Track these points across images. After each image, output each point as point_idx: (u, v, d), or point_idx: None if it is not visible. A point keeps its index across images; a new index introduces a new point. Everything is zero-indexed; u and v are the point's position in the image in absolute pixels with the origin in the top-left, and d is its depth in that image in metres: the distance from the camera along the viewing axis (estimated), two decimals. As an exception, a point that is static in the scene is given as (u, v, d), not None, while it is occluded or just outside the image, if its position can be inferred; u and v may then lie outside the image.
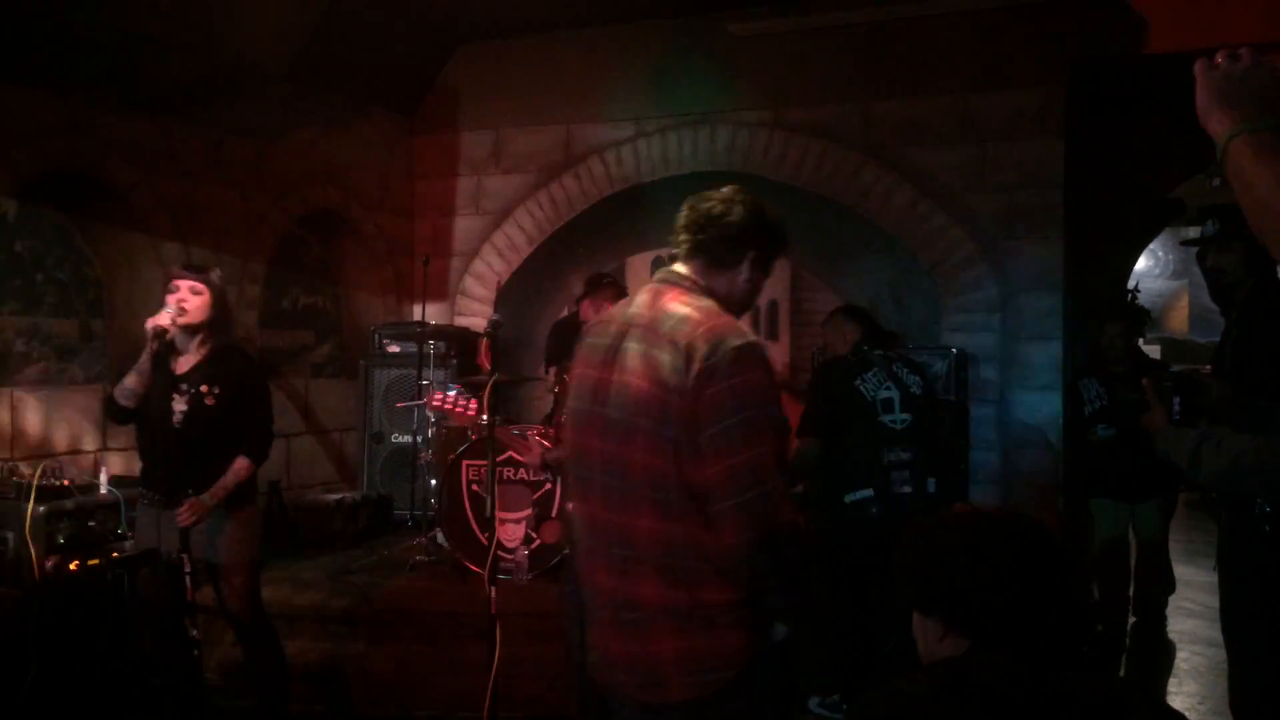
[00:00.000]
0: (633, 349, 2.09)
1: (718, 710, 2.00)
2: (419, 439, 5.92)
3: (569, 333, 6.26)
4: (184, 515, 3.38)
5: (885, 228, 6.31)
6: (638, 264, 7.28)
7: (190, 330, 3.55)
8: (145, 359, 3.41)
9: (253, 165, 6.03)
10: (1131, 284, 9.05)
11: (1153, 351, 10.69)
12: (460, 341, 6.66)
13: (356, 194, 6.86)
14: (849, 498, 4.04)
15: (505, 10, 6.54)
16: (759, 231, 2.27)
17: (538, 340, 7.14)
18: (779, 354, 6.86)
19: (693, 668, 1.99)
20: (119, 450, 5.19)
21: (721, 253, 2.22)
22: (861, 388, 4.13)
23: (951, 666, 1.47)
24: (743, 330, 2.06)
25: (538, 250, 7.16)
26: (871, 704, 1.49)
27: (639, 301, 2.21)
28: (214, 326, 3.61)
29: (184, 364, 3.58)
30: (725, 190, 2.28)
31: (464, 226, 7.30)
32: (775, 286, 6.98)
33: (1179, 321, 13.42)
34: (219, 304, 3.62)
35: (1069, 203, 5.95)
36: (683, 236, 2.26)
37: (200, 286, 3.55)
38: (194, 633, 3.35)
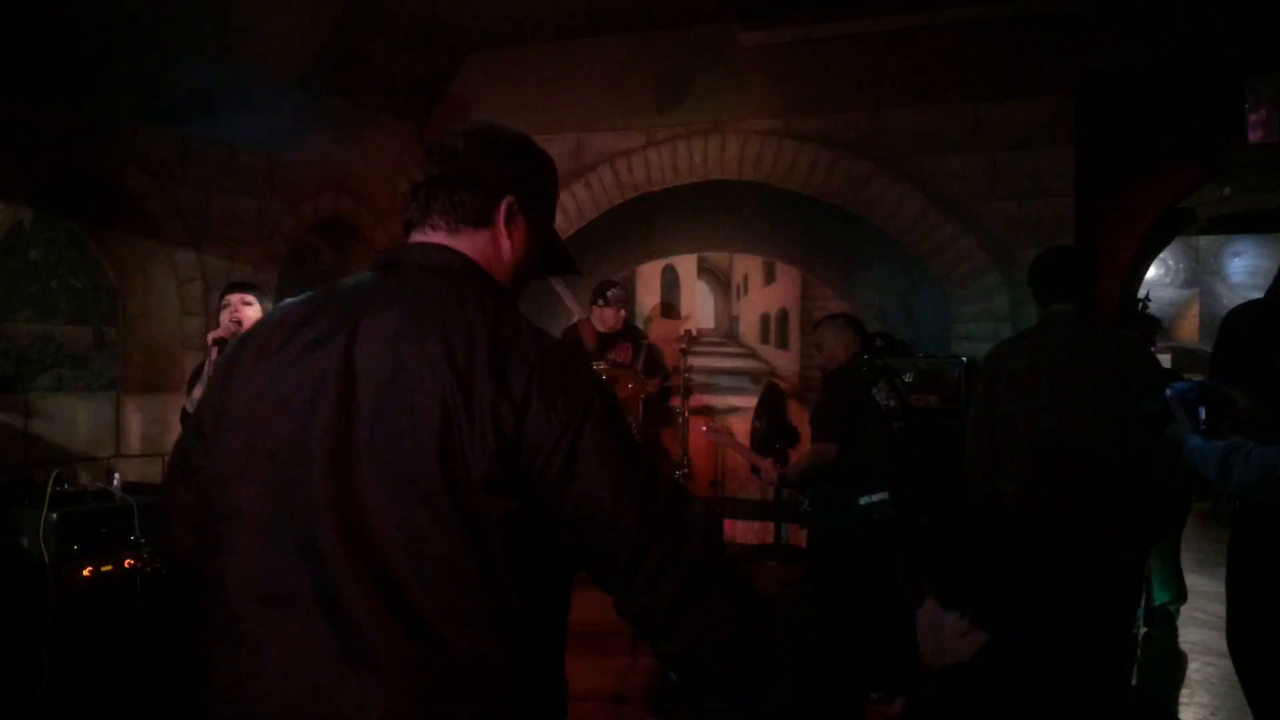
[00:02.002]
0: (1091, 360, 3.33)
1: None
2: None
3: (576, 339, 6.28)
4: None
5: (895, 237, 6.32)
6: (648, 272, 7.29)
7: None
8: (208, 370, 3.53)
9: (265, 174, 6.06)
10: (1142, 293, 9.03)
11: (1163, 360, 10.65)
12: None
13: (368, 202, 6.89)
14: (864, 500, 4.23)
15: (516, 19, 6.57)
16: None
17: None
18: (790, 362, 6.87)
19: None
20: (132, 457, 5.22)
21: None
22: (876, 396, 4.35)
23: (961, 671, 1.47)
24: None
25: (548, 258, 7.18)
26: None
27: (1062, 328, 3.41)
28: None
29: None
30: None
31: (475, 235, 7.32)
32: (786, 295, 6.98)
33: (1189, 330, 13.38)
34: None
35: (1080, 211, 5.95)
36: (1064, 287, 3.47)
37: (251, 299, 3.78)
38: None
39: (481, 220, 1.45)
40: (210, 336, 3.60)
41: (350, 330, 1.34)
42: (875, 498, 4.21)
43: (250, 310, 3.77)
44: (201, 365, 3.83)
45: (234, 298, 3.80)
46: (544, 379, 1.28)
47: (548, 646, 1.35)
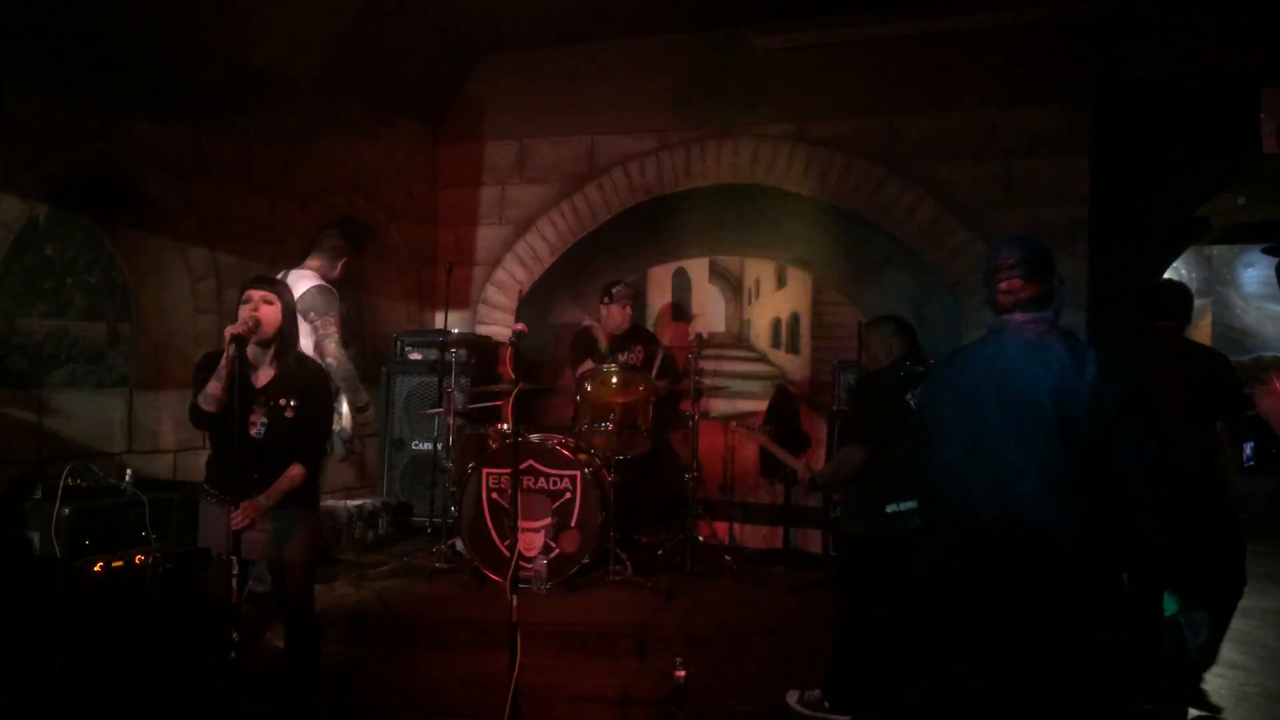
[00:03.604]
0: (1179, 365, 4.11)
1: None
2: (439, 446, 5.95)
3: (589, 341, 6.29)
4: (239, 518, 3.47)
5: (908, 243, 6.31)
6: (659, 274, 7.29)
7: (264, 342, 3.66)
8: (224, 365, 3.49)
9: (279, 172, 6.08)
10: (1155, 301, 8.97)
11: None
12: (482, 349, 6.70)
13: (381, 202, 6.91)
14: (890, 508, 4.12)
15: (531, 21, 6.59)
16: None
17: (558, 349, 7.17)
18: (800, 367, 6.86)
19: None
20: (145, 453, 5.25)
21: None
22: (912, 402, 4.17)
23: (942, 680, 1.50)
24: None
25: (560, 260, 7.19)
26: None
27: (1161, 339, 4.38)
28: (284, 336, 3.72)
29: (262, 377, 3.70)
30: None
31: (487, 235, 7.34)
32: (797, 300, 6.98)
33: (1201, 339, 13.33)
34: (288, 314, 3.74)
35: (1094, 220, 5.93)
36: (1168, 308, 4.52)
37: (271, 297, 3.68)
38: (234, 635, 3.38)
39: (1047, 304, 2.80)
40: (228, 332, 3.51)
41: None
42: (903, 506, 4.09)
43: (271, 310, 3.67)
44: (207, 358, 3.72)
45: (256, 294, 3.68)
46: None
47: None
